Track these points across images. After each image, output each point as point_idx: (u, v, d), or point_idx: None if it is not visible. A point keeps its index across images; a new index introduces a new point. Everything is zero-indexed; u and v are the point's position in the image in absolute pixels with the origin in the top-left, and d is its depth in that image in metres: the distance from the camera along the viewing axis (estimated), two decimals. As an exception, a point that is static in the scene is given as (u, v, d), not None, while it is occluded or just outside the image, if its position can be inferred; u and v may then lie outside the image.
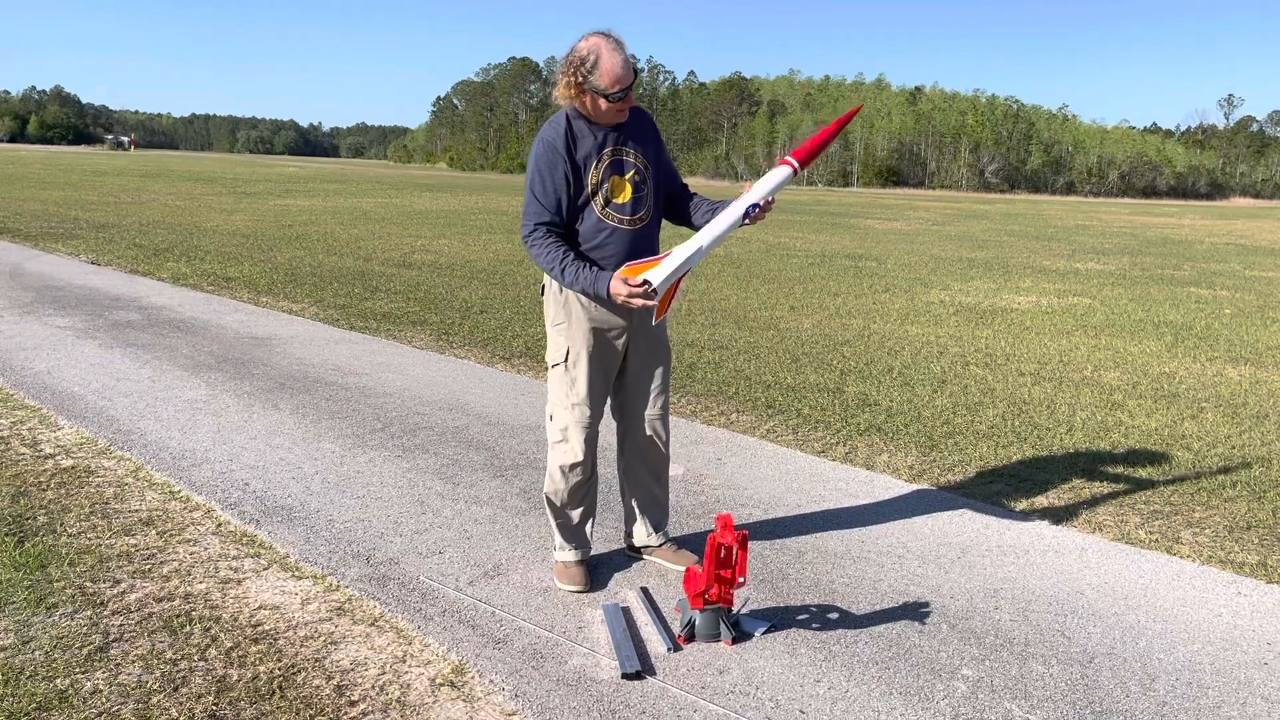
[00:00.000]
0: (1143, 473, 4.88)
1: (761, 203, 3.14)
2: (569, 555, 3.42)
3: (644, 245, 3.29)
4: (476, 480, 4.42)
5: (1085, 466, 4.97)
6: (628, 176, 3.24)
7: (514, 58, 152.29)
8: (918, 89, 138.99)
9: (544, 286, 3.40)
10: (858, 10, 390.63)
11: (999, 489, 4.60)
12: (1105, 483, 4.71)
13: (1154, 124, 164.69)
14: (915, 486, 4.62)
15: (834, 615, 3.24)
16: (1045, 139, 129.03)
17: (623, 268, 3.12)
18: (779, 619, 3.20)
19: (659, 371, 3.43)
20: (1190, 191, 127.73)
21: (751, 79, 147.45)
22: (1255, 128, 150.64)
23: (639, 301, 3.05)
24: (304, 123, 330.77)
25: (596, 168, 3.19)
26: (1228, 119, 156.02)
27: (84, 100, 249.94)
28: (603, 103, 3.10)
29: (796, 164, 3.09)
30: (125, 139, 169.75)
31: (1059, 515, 4.25)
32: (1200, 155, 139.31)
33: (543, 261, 3.19)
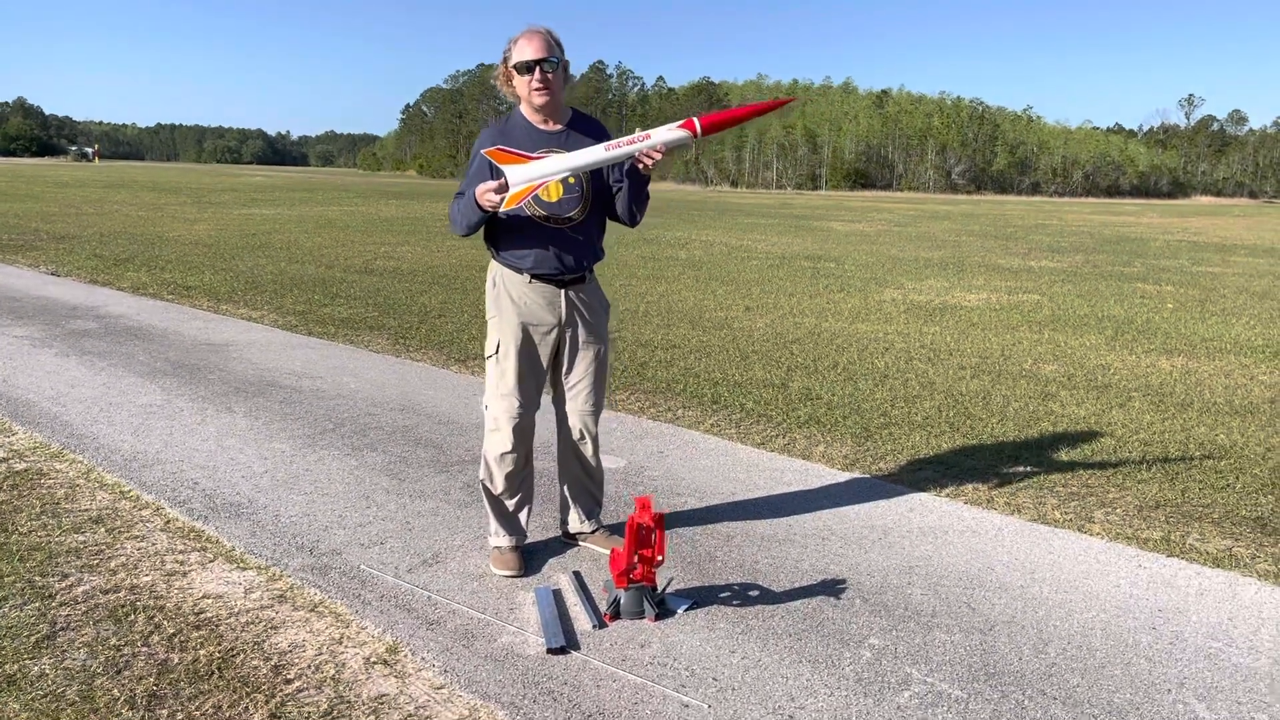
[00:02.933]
0: (1065, 458, 5.10)
1: (649, 149, 3.16)
2: (504, 541, 3.58)
3: (574, 244, 3.43)
4: (422, 475, 4.56)
5: (1012, 453, 5.18)
6: (561, 177, 3.39)
7: (483, 65, 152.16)
8: (885, 92, 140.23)
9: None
10: (825, 14, 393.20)
11: (927, 475, 4.80)
12: (1028, 468, 4.92)
13: (1117, 124, 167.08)
14: (848, 475, 4.81)
15: (755, 593, 3.42)
16: (1010, 140, 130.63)
17: (493, 149, 3.26)
18: (702, 597, 3.37)
19: (592, 369, 3.59)
20: (1153, 190, 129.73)
21: (720, 83, 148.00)
22: (1216, 127, 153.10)
23: (493, 197, 3.17)
24: (272, 131, 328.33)
25: None
26: (1188, 119, 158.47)
27: (47, 111, 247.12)
28: (516, 79, 3.31)
29: (699, 129, 3.10)
30: (89, 150, 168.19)
31: (980, 499, 4.45)
32: (1162, 155, 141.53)
33: (451, 216, 3.44)
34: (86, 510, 4.02)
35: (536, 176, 3.21)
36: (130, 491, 4.24)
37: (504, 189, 3.20)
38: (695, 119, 3.13)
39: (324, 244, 16.79)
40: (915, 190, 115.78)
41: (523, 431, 3.50)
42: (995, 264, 16.62)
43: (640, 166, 3.26)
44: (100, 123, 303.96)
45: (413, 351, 7.56)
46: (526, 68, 3.27)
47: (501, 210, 3.23)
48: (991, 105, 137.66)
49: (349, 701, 2.68)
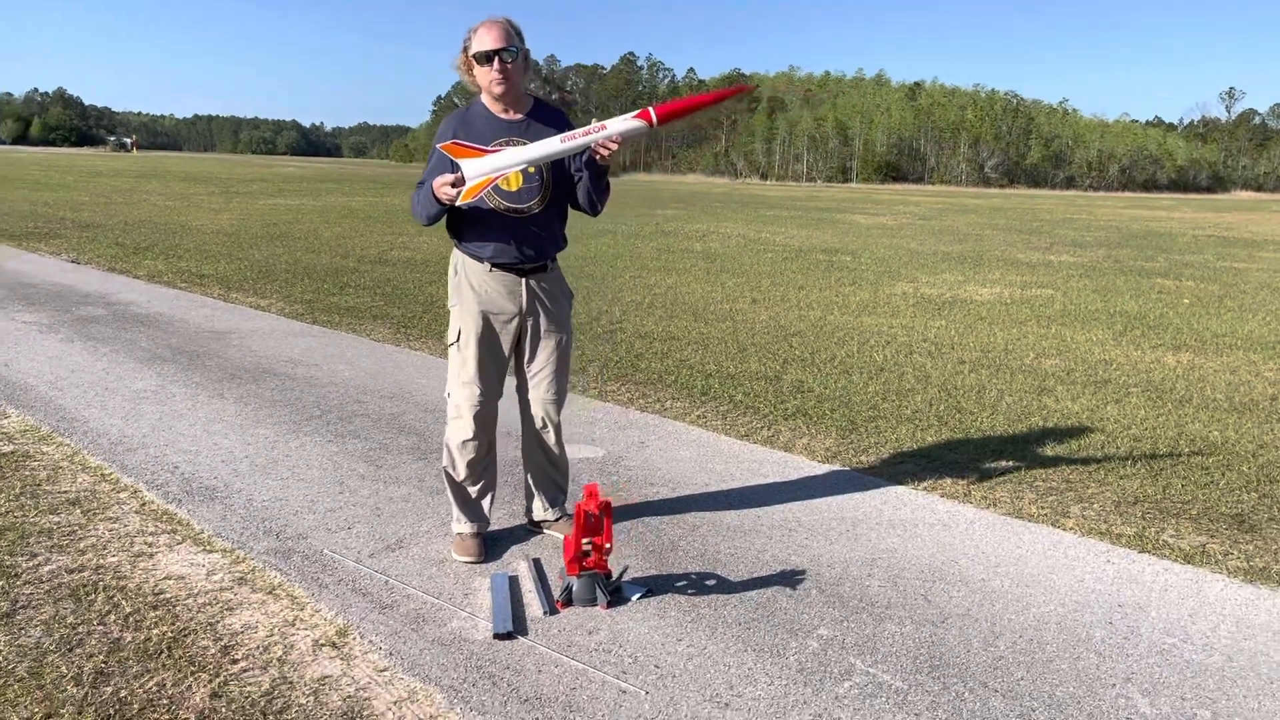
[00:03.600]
0: (1050, 452, 5.06)
1: (605, 140, 3.18)
2: (465, 528, 3.61)
3: (534, 234, 3.45)
4: (400, 463, 4.60)
5: (997, 448, 5.14)
6: (518, 169, 3.40)
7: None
8: (917, 84, 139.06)
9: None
10: (858, 6, 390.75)
11: (908, 469, 4.77)
12: (1011, 461, 4.88)
13: (1156, 117, 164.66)
14: (828, 467, 4.79)
15: (711, 582, 3.42)
16: (1045, 133, 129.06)
17: (449, 143, 3.27)
18: (658, 585, 3.38)
19: (554, 357, 3.60)
20: (1191, 185, 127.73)
21: (751, 75, 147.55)
22: (1257, 120, 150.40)
23: (450, 191, 3.19)
24: (306, 123, 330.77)
25: None
26: (1229, 112, 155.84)
27: (87, 102, 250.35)
28: (476, 68, 3.33)
29: (654, 119, 3.14)
30: (128, 140, 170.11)
31: (957, 492, 4.42)
32: (1202, 149, 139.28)
33: (413, 206, 3.46)
34: (66, 492, 4.09)
35: (492, 170, 3.23)
36: (111, 474, 4.31)
37: (460, 183, 3.22)
38: (650, 108, 3.16)
39: (343, 234, 16.92)
40: (947, 183, 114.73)
41: (484, 419, 3.52)
42: (1014, 258, 16.47)
43: (597, 157, 3.28)
44: (139, 113, 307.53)
45: (412, 341, 7.61)
46: (486, 58, 3.29)
47: (459, 203, 3.25)
48: (1027, 98, 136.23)
49: (291, 682, 2.72)
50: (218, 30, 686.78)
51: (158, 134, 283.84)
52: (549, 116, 3.47)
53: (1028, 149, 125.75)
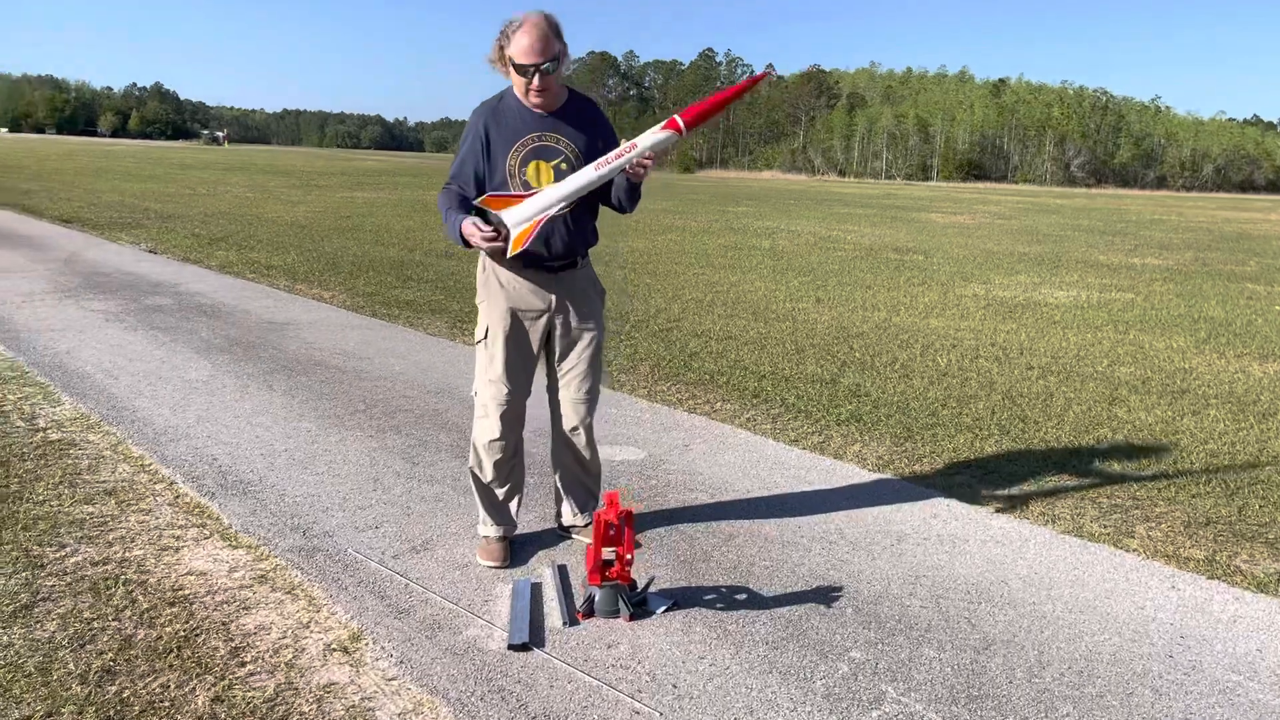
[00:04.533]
0: (1116, 467, 4.78)
1: (638, 159, 3.12)
2: (491, 531, 3.51)
3: (565, 231, 3.33)
4: (437, 460, 4.53)
5: (1061, 460, 4.88)
6: (553, 163, 3.29)
7: (593, 52, 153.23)
8: (1002, 81, 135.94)
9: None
10: (942, 2, 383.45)
11: (963, 480, 4.55)
12: (1075, 476, 4.62)
13: (1254, 115, 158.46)
14: (878, 476, 4.59)
15: (742, 596, 3.27)
16: (1136, 131, 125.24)
17: (485, 198, 3.17)
18: (686, 598, 3.24)
19: (585, 356, 3.48)
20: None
21: (831, 71, 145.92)
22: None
23: (488, 245, 3.11)
24: (389, 117, 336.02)
25: (516, 151, 3.26)
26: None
27: (182, 96, 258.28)
28: (513, 73, 3.21)
29: (682, 126, 3.07)
30: (220, 134, 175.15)
31: (1014, 506, 4.19)
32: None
33: (440, 208, 3.35)
34: (104, 482, 4.10)
35: (534, 213, 3.17)
36: (151, 465, 4.32)
37: (497, 236, 3.14)
38: (677, 117, 3.10)
39: (414, 227, 17.06)
40: (1031, 183, 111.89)
41: (511, 419, 3.42)
42: (1094, 260, 15.89)
43: (633, 176, 3.19)
44: (231, 108, 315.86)
45: (467, 335, 7.57)
46: (523, 70, 3.18)
47: (510, 254, 3.17)
48: (1117, 95, 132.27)
49: (296, 688, 2.64)
50: (307, 26, 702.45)
51: (249, 128, 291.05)
52: (581, 110, 3.35)
53: (1116, 147, 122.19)
